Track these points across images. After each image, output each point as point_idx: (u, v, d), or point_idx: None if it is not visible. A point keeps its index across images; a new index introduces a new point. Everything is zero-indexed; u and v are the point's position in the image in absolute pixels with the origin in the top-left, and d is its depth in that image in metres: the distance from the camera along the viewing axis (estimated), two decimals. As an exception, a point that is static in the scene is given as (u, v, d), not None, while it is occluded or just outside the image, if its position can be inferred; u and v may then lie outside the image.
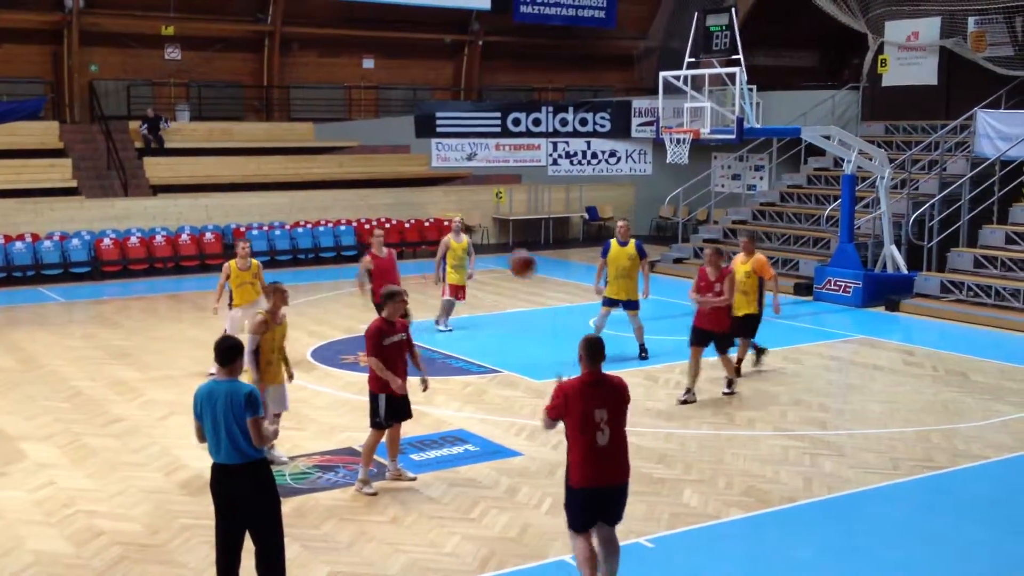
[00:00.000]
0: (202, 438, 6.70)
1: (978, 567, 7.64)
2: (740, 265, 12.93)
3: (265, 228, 23.24)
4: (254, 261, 13.13)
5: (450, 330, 15.64)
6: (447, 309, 15.77)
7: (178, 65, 26.05)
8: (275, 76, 26.86)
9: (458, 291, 15.69)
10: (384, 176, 26.17)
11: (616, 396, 6.74)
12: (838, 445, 10.35)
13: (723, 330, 11.99)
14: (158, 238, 21.88)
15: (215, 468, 6.65)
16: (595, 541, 6.77)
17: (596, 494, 6.64)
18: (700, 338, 11.89)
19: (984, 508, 8.79)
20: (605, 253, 13.85)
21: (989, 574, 7.49)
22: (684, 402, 11.77)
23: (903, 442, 10.46)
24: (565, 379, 6.80)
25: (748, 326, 12.84)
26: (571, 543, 6.83)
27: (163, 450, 10.17)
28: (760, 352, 13.50)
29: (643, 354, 13.92)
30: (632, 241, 13.80)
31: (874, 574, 7.49)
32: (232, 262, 12.92)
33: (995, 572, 7.53)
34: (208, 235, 22.51)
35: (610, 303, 13.85)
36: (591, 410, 6.57)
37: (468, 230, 14.63)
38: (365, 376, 12.85)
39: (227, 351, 6.62)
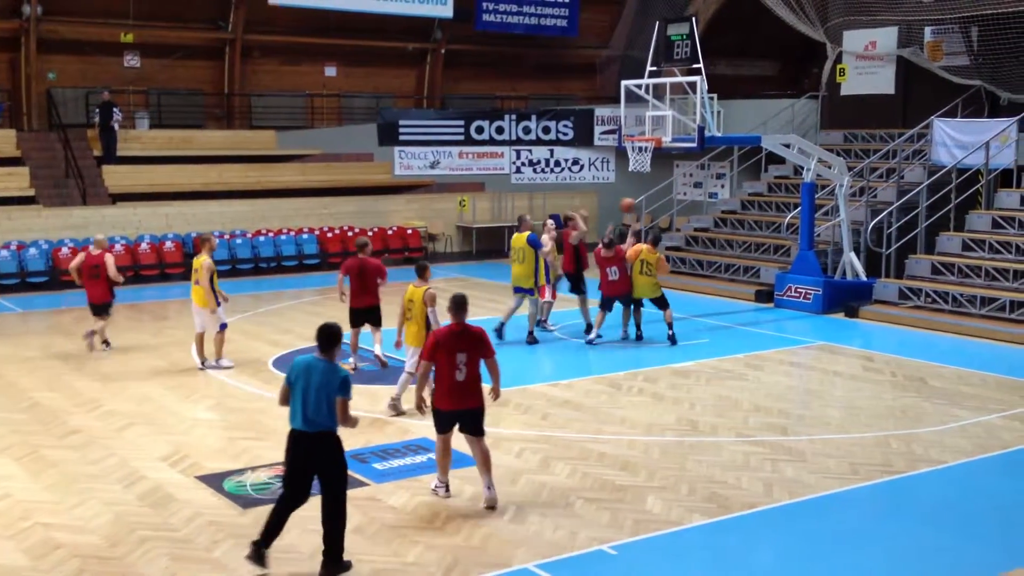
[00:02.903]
0: (285, 402, 7.57)
1: (936, 571, 7.72)
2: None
3: (226, 237, 23.06)
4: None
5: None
6: (545, 309, 16.43)
7: (137, 73, 25.80)
8: (236, 84, 26.69)
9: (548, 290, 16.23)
10: (347, 184, 26.07)
11: (474, 343, 8.63)
12: (799, 451, 10.44)
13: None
14: (117, 247, 21.60)
15: (292, 433, 7.50)
16: (474, 455, 8.84)
17: (454, 415, 8.70)
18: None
19: (942, 512, 8.90)
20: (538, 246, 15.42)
21: (947, 577, 7.58)
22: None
23: (862, 447, 10.56)
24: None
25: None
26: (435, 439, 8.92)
27: (122, 461, 10.06)
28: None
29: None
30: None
31: (835, 578, 7.55)
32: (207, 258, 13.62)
33: (954, 574, 7.61)
34: (168, 244, 22.29)
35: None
36: (454, 353, 8.50)
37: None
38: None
39: (328, 337, 7.49)
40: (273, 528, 7.55)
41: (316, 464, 7.48)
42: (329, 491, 7.50)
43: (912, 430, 11.18)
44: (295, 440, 7.50)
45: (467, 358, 8.56)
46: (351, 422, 7.50)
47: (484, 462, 8.81)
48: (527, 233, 15.56)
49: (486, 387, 8.93)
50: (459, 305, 8.77)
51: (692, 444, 10.68)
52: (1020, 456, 10.41)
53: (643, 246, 15.57)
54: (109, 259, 14.96)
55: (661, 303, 15.46)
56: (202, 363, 13.90)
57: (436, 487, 9.11)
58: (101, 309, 14.88)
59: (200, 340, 13.88)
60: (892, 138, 22.63)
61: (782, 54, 31.32)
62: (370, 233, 24.69)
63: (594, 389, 12.78)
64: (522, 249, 15.44)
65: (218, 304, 13.62)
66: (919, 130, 21.72)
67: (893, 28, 23.64)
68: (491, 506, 8.72)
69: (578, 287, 16.22)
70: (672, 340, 15.30)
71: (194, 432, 11.08)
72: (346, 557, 7.63)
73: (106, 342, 15.06)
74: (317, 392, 7.36)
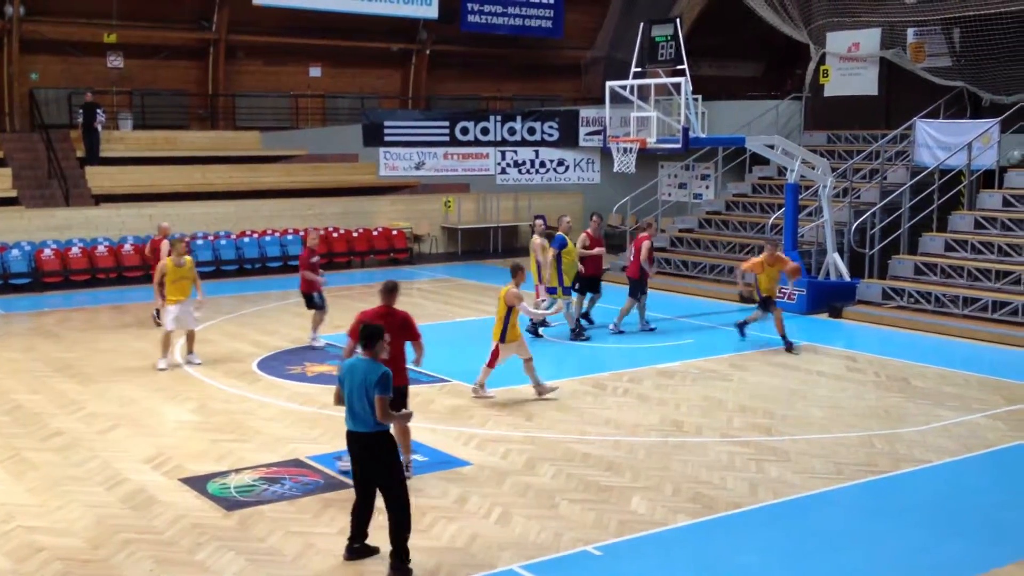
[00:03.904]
0: (339, 402, 7.76)
1: (920, 570, 7.75)
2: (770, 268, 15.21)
3: (211, 237, 22.98)
4: (188, 258, 13.97)
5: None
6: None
7: (120, 73, 25.69)
8: (220, 84, 26.60)
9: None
10: (332, 185, 26.01)
11: (396, 325, 9.12)
12: (783, 451, 10.47)
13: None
14: (100, 248, 21.53)
15: (348, 434, 7.67)
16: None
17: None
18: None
19: (926, 511, 8.94)
20: (562, 246, 15.60)
21: (929, 575, 7.62)
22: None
23: (846, 447, 10.60)
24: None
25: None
26: None
27: (105, 464, 10.01)
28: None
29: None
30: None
31: (819, 578, 7.58)
32: (168, 260, 13.91)
33: (936, 574, 7.65)
34: (147, 247, 22.12)
35: (569, 290, 15.85)
36: None
37: (549, 235, 16.43)
38: (309, 387, 12.85)
39: (369, 336, 7.62)
40: (356, 528, 7.77)
41: (369, 462, 7.56)
42: (385, 491, 7.55)
43: (895, 430, 11.23)
44: (349, 440, 7.66)
45: (389, 339, 8.88)
46: (389, 418, 7.53)
47: (402, 435, 9.26)
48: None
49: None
50: (388, 290, 9.40)
51: (677, 444, 10.70)
52: (1003, 456, 10.46)
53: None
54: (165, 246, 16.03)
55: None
56: (184, 361, 14.05)
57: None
58: None
59: (184, 338, 14.08)
60: (875, 139, 22.72)
61: (766, 55, 31.43)
62: (355, 234, 24.69)
63: (579, 390, 12.79)
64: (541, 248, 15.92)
65: (170, 305, 13.76)
66: (902, 131, 21.83)
67: (876, 29, 23.76)
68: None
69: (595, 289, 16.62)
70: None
71: (178, 434, 11.04)
72: (331, 557, 7.61)
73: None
74: (359, 390, 7.48)
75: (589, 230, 16.71)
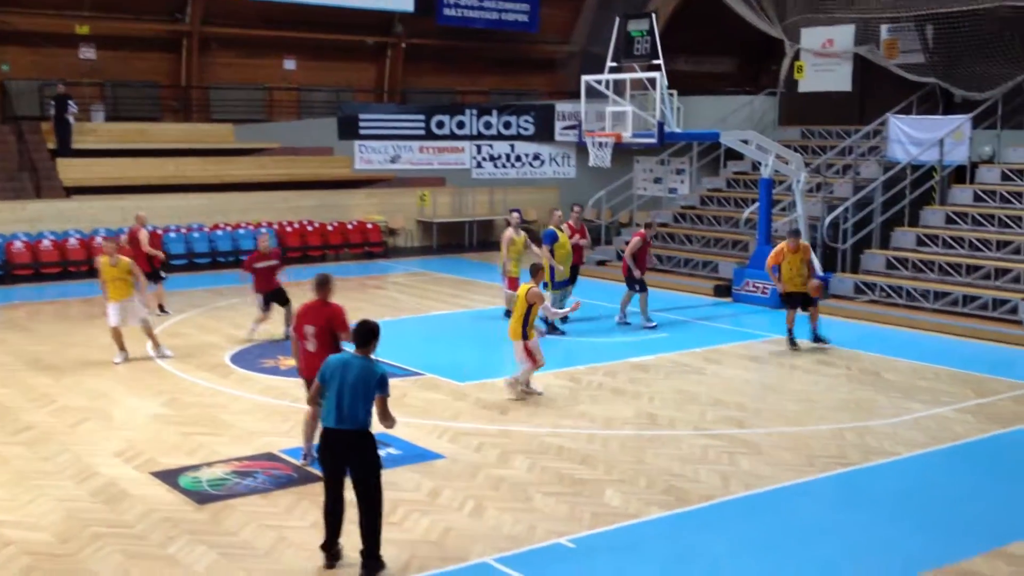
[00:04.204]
0: (315, 400, 7.66)
1: (889, 561, 7.81)
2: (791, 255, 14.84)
3: (183, 230, 22.84)
4: (124, 259, 13.92)
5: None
6: (512, 300, 16.39)
7: (92, 65, 25.45)
8: (193, 76, 26.41)
9: (516, 282, 16.14)
10: (306, 178, 25.90)
11: (324, 318, 9.27)
12: (755, 443, 10.52)
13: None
14: (72, 241, 21.34)
15: (326, 431, 7.44)
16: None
17: (310, 380, 8.95)
18: None
19: (895, 503, 9.01)
20: (553, 240, 15.70)
21: (900, 567, 7.67)
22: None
23: (818, 440, 10.67)
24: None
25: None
26: None
27: (75, 458, 9.93)
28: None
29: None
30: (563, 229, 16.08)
31: (790, 569, 7.62)
32: (104, 259, 13.86)
33: (905, 565, 7.71)
34: (124, 238, 21.93)
35: (564, 284, 16.01)
36: (303, 325, 9.38)
37: (526, 229, 16.58)
38: (283, 381, 12.79)
39: (364, 334, 7.50)
40: (331, 531, 7.55)
41: (349, 462, 7.37)
42: (362, 490, 7.38)
43: (866, 423, 11.32)
44: (329, 438, 7.43)
45: (315, 331, 9.27)
46: (390, 419, 7.46)
47: (305, 426, 9.54)
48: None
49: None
50: (320, 283, 9.49)
51: (650, 438, 10.73)
52: (971, 448, 10.56)
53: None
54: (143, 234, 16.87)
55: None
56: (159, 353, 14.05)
57: (304, 456, 9.71)
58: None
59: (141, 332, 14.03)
60: (848, 134, 22.85)
61: (741, 51, 31.52)
62: (330, 227, 24.58)
63: (554, 383, 12.80)
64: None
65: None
66: (875, 127, 21.97)
67: (850, 26, 23.88)
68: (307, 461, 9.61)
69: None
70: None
71: (149, 428, 10.97)
72: (304, 550, 7.59)
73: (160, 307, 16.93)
74: (353, 389, 7.30)
75: (570, 221, 16.76)
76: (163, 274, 17.29)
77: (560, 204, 28.18)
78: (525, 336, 12.00)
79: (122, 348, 13.86)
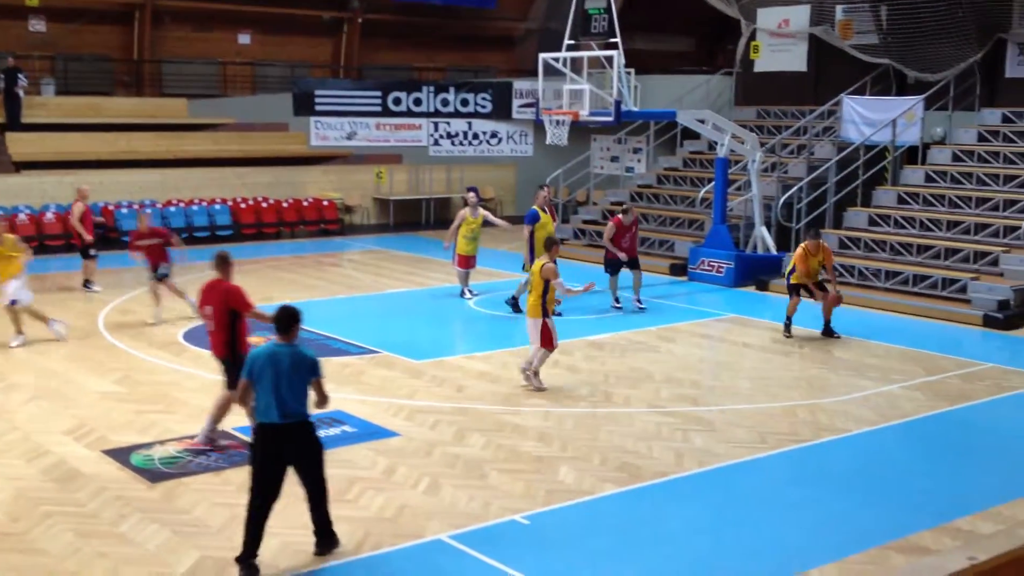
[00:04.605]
0: (245, 400, 7.26)
1: (839, 536, 7.93)
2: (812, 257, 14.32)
3: (136, 207, 22.53)
4: (9, 236, 13.61)
5: (477, 295, 16.84)
6: (463, 278, 16.84)
7: (43, 37, 24.97)
8: (146, 50, 26.01)
9: (468, 261, 16.68)
10: (261, 155, 25.65)
11: (218, 298, 9.26)
12: (709, 421, 10.63)
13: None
14: (21, 216, 20.99)
15: (265, 427, 7.07)
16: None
17: (219, 359, 9.46)
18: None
19: (845, 479, 9.15)
20: (534, 220, 15.35)
21: (848, 541, 7.79)
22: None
23: (770, 417, 10.80)
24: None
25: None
26: None
27: (25, 436, 9.80)
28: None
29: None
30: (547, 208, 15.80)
31: (743, 544, 7.72)
32: None
33: (854, 538, 7.83)
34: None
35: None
36: (204, 305, 9.45)
37: (485, 204, 16.16)
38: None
39: (285, 320, 7.19)
40: (254, 539, 7.05)
41: (296, 454, 7.13)
42: (312, 477, 7.24)
43: (818, 400, 11.47)
44: (269, 435, 7.06)
45: (212, 311, 9.31)
46: (328, 400, 7.35)
47: (215, 408, 9.53)
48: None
49: None
50: (218, 262, 9.51)
51: (605, 415, 10.80)
52: (919, 425, 10.75)
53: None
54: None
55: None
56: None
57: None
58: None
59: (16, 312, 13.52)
60: (803, 115, 23.04)
61: (698, 30, 31.62)
62: (285, 204, 24.37)
63: (510, 361, 12.83)
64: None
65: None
66: (829, 107, 22.16)
67: (806, 6, 24.04)
68: (203, 441, 9.56)
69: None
70: None
71: (100, 405, 10.85)
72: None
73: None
74: (290, 380, 7.03)
75: (539, 202, 16.57)
76: (92, 251, 17.15)
77: (516, 182, 28.30)
78: (545, 313, 11.50)
79: (20, 330, 13.43)
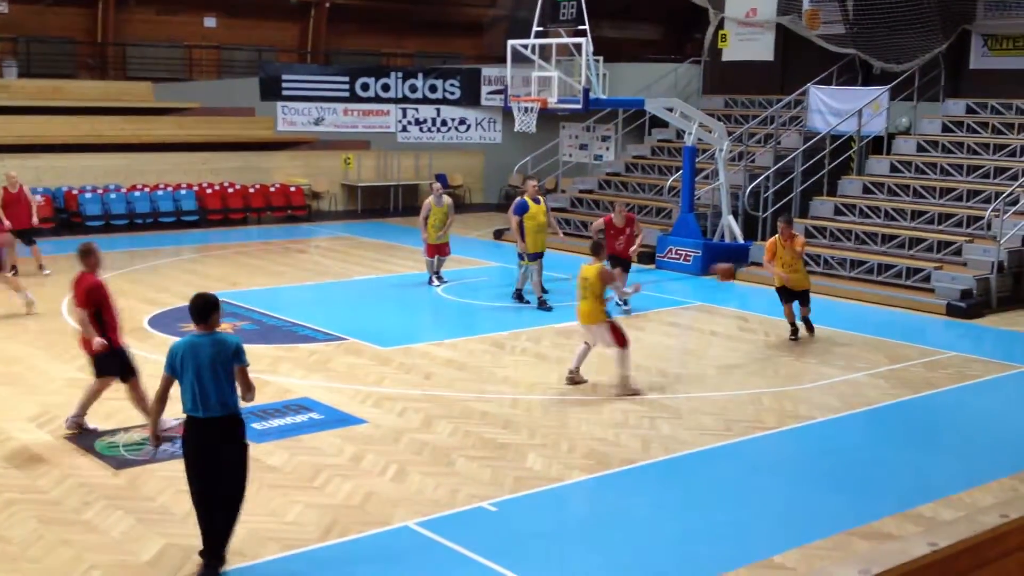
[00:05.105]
0: (164, 396, 6.89)
1: (802, 522, 8.02)
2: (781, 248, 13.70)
3: (100, 191, 22.30)
4: None
5: (445, 282, 16.82)
6: (430, 266, 16.85)
7: (5, 19, 24.58)
8: (110, 32, 25.69)
9: (438, 249, 16.72)
10: (228, 139, 25.41)
11: (80, 292, 9.15)
12: (675, 408, 10.69)
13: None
14: (-17, 201, 20.66)
15: (194, 422, 6.71)
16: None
17: (91, 356, 9.39)
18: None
19: (809, 466, 9.25)
20: (523, 211, 15.07)
21: (812, 527, 7.87)
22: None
23: (736, 405, 10.88)
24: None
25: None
26: None
27: (-13, 423, 9.70)
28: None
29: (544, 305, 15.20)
30: (543, 199, 15.61)
31: (709, 531, 7.78)
32: None
33: (817, 524, 7.92)
34: (38, 198, 21.31)
35: (537, 256, 15.26)
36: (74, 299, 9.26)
37: (451, 194, 16.78)
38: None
39: (201, 308, 6.77)
40: (205, 532, 6.83)
41: (221, 452, 6.75)
42: (232, 479, 6.80)
43: (783, 388, 11.56)
44: (199, 430, 6.71)
45: (74, 304, 9.40)
46: (253, 391, 6.88)
47: (85, 393, 9.52)
48: (543, 199, 15.88)
49: None
50: (82, 254, 9.33)
51: (573, 403, 10.83)
52: (883, 412, 10.86)
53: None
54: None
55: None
56: None
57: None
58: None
59: None
60: (770, 104, 23.15)
61: (666, 18, 31.66)
62: (252, 190, 24.20)
63: (478, 349, 12.84)
64: (545, 214, 15.63)
65: None
66: (796, 96, 22.28)
67: (774, -4, 24.13)
68: (71, 425, 9.47)
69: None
70: None
71: (64, 392, 10.72)
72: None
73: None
74: (212, 370, 6.63)
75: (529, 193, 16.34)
76: (33, 237, 17.12)
77: (484, 169, 28.24)
78: (609, 315, 11.28)
79: None
